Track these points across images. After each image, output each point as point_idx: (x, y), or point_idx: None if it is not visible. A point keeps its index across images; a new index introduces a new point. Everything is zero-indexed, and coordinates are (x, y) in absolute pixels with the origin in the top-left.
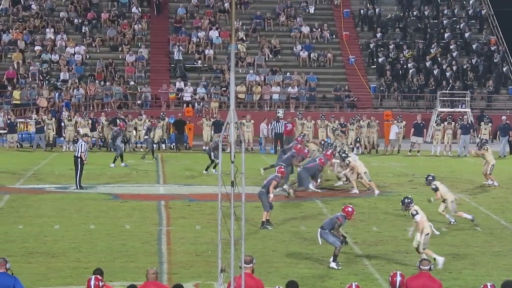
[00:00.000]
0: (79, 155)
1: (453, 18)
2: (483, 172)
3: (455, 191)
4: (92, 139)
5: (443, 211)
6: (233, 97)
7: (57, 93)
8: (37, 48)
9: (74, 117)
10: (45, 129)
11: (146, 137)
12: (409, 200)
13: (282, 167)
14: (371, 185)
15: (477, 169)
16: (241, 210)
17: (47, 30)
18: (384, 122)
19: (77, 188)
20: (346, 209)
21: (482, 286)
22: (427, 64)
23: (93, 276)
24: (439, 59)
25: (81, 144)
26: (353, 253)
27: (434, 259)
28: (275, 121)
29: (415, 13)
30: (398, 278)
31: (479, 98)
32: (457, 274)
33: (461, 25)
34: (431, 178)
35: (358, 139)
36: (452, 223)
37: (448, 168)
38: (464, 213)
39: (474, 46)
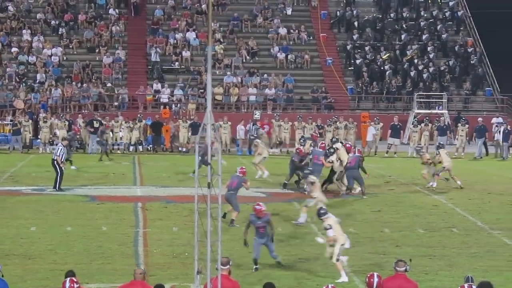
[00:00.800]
0: (55, 158)
1: (430, 20)
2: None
3: (432, 192)
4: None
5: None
6: (210, 99)
7: (34, 95)
8: (14, 49)
9: (50, 119)
10: (21, 131)
11: (98, 139)
12: (323, 211)
13: (244, 167)
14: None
15: (455, 171)
16: (217, 211)
17: (24, 31)
18: (361, 123)
19: (56, 189)
20: (255, 207)
21: (459, 287)
22: (404, 65)
23: (68, 279)
24: (415, 60)
25: (59, 148)
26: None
27: None
28: (251, 124)
29: (392, 14)
30: (375, 279)
31: (456, 100)
32: (434, 275)
33: (438, 27)
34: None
35: (334, 140)
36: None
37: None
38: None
39: (451, 48)
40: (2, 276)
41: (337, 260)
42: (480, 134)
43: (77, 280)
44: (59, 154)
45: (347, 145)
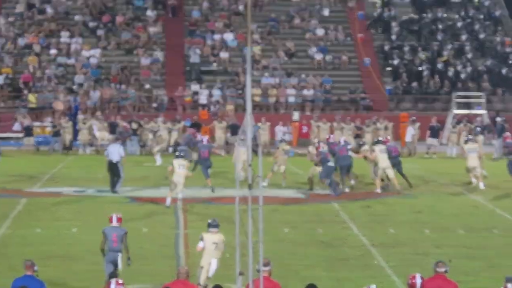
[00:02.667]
0: (119, 160)
1: (468, 20)
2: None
3: (471, 193)
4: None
5: None
6: (249, 101)
7: (73, 97)
8: (53, 51)
9: (90, 120)
10: (61, 132)
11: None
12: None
13: None
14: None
15: (494, 171)
16: (258, 213)
17: (63, 33)
18: (400, 124)
19: (116, 192)
20: None
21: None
22: (442, 65)
23: (114, 280)
24: (452, 61)
25: (119, 147)
26: (370, 256)
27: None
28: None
29: (429, 15)
30: (418, 280)
31: (495, 100)
32: (474, 276)
33: (476, 27)
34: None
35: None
36: None
37: (464, 170)
38: None
39: (488, 48)
40: (37, 276)
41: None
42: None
43: (122, 282)
44: (124, 154)
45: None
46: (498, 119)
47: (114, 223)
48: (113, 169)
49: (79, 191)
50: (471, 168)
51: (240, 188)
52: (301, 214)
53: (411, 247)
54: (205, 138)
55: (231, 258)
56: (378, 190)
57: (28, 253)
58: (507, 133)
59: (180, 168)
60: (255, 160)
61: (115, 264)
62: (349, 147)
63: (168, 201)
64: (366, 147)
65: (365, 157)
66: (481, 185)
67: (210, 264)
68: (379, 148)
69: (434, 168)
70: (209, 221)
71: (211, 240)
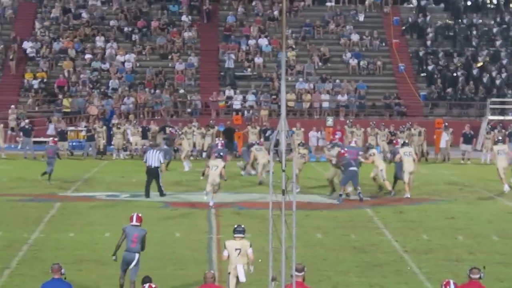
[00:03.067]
0: (157, 165)
1: (503, 25)
2: (372, 176)
3: (506, 199)
4: (144, 147)
5: None
6: (284, 106)
7: (107, 101)
8: (88, 56)
9: (124, 125)
10: (95, 137)
11: (166, 147)
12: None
13: None
14: (386, 184)
15: None
16: (292, 218)
17: (97, 38)
18: (435, 130)
19: (164, 195)
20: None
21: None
22: (477, 71)
23: (147, 285)
24: (488, 66)
25: (159, 153)
26: (403, 262)
27: None
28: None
29: (464, 21)
30: (452, 287)
31: None
32: (509, 283)
33: (511, 32)
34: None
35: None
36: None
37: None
38: None
39: None
40: (65, 279)
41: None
42: None
43: (156, 286)
44: (162, 160)
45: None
46: None
47: (134, 222)
48: (152, 174)
49: (113, 196)
50: (501, 169)
51: (273, 193)
52: (334, 220)
53: (444, 253)
54: (220, 142)
55: (264, 263)
56: (408, 195)
57: (61, 257)
58: None
59: (213, 168)
60: (289, 165)
61: (129, 264)
62: (360, 153)
63: (208, 199)
64: (373, 150)
65: (373, 161)
66: (506, 188)
67: (236, 270)
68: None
69: (468, 174)
70: (235, 226)
71: (233, 247)
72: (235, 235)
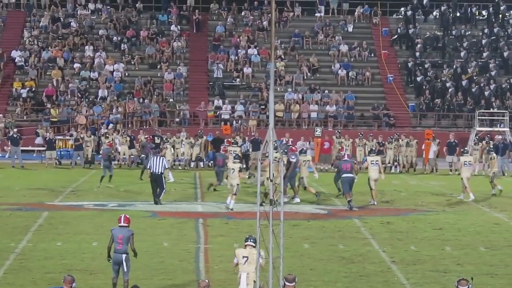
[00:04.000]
0: (161, 171)
1: (492, 37)
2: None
3: (494, 210)
4: (131, 156)
5: None
6: (272, 116)
7: (96, 108)
8: (76, 65)
9: (112, 134)
10: (83, 146)
11: (143, 156)
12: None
13: None
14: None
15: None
16: (279, 228)
17: (86, 47)
18: (424, 141)
19: (158, 203)
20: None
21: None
22: (466, 82)
23: None
24: (475, 78)
25: (162, 160)
26: (391, 273)
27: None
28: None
29: (453, 32)
30: None
31: None
32: None
33: (500, 44)
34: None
35: (396, 158)
36: None
37: (486, 187)
38: None
39: None
40: None
41: None
42: None
43: None
44: (167, 166)
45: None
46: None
47: (122, 223)
48: (157, 180)
49: (101, 205)
50: (465, 179)
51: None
52: (321, 230)
53: (432, 264)
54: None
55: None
56: (374, 202)
57: (48, 267)
58: None
59: (231, 172)
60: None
61: (119, 265)
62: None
63: (229, 201)
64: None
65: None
66: (471, 196)
67: (241, 278)
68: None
69: (456, 185)
70: (247, 236)
71: (241, 255)
72: (245, 243)
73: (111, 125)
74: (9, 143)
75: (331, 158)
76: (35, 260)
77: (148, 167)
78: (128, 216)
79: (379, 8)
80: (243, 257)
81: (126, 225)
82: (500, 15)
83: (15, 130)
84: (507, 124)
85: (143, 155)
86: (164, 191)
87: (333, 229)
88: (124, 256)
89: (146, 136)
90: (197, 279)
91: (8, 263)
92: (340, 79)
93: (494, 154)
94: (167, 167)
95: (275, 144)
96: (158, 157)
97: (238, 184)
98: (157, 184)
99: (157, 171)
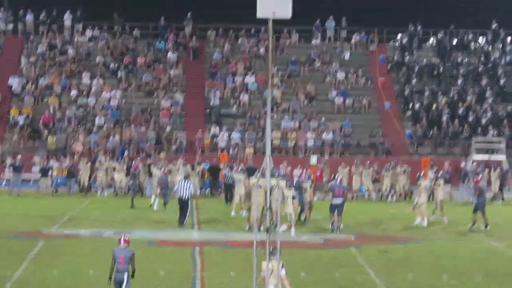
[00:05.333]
0: (188, 196)
1: (489, 65)
2: None
3: (491, 238)
4: (128, 184)
5: None
6: (269, 144)
7: (93, 136)
8: (73, 92)
9: (106, 161)
10: (80, 173)
11: (131, 181)
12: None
13: None
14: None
15: None
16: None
17: (83, 74)
18: (421, 168)
19: (183, 225)
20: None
21: None
22: (463, 110)
23: None
24: (472, 106)
25: (188, 184)
26: None
27: None
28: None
29: (450, 59)
30: None
31: None
32: None
33: (498, 72)
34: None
35: (393, 186)
36: None
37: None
38: None
39: (509, 93)
40: None
41: None
42: None
43: None
44: (193, 191)
45: None
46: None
47: (122, 244)
48: (183, 205)
49: (97, 233)
50: (421, 204)
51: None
52: (318, 258)
53: None
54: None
55: None
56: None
57: None
58: None
59: (238, 182)
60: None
61: (120, 284)
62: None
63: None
64: None
65: None
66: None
67: None
68: None
69: (452, 213)
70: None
71: (266, 267)
72: (270, 257)
73: (126, 153)
74: (12, 170)
75: (324, 185)
76: None
77: (174, 190)
78: (127, 238)
79: (376, 36)
80: (268, 269)
81: (126, 246)
82: (496, 43)
83: (18, 157)
84: (504, 152)
85: (131, 181)
86: (188, 214)
87: (330, 257)
88: (125, 274)
89: (137, 164)
90: None
91: None
92: (336, 107)
93: (441, 181)
94: (193, 192)
95: (273, 171)
96: (186, 181)
97: (245, 194)
98: (182, 208)
99: (184, 196)
